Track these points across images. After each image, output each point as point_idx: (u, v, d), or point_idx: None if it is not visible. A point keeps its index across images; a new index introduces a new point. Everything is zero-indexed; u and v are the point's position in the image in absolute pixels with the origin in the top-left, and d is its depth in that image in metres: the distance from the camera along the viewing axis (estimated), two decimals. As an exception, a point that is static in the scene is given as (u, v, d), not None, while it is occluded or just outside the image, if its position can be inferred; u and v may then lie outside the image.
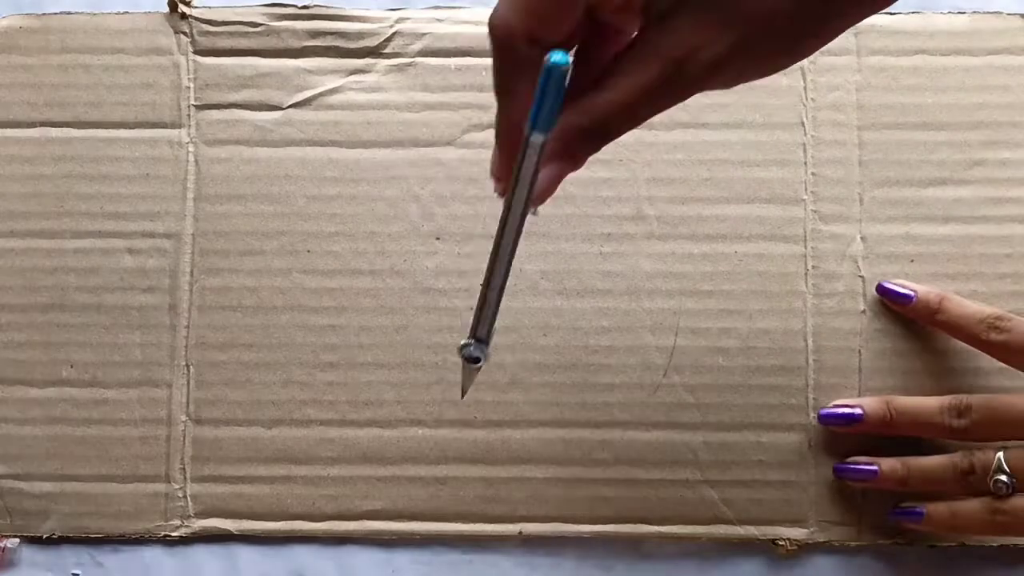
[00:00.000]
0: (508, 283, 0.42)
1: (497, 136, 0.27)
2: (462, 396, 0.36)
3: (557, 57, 0.22)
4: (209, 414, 0.42)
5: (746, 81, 0.26)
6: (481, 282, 0.28)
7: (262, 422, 0.42)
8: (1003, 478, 0.36)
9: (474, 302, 0.42)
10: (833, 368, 0.42)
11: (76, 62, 0.43)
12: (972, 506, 0.37)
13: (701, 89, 0.25)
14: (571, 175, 0.28)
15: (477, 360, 0.30)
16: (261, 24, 0.43)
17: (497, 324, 0.29)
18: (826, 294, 0.42)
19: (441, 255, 0.42)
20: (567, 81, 0.22)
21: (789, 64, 0.25)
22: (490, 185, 0.44)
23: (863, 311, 0.42)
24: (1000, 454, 0.36)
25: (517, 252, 0.27)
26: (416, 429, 0.42)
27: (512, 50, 0.25)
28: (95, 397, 0.42)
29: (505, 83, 0.26)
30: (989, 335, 0.38)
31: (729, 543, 0.41)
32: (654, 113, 0.26)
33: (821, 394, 0.41)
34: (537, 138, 0.23)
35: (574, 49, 0.27)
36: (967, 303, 0.40)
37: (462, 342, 0.30)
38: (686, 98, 0.26)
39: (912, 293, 0.41)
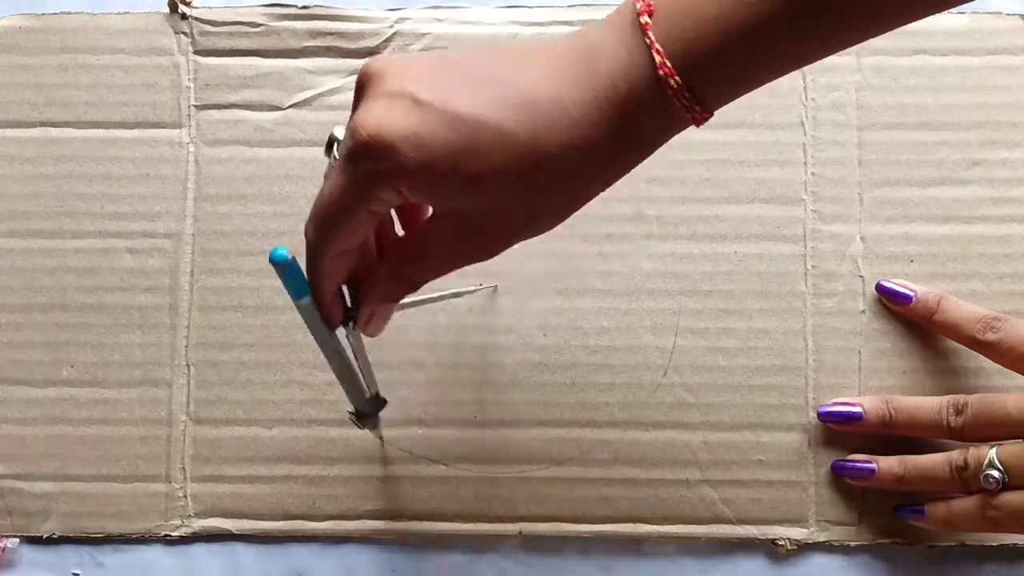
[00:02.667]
0: (508, 284, 0.43)
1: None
2: (381, 444, 0.41)
3: (278, 253, 0.28)
4: (209, 414, 0.42)
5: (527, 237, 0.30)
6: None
7: (262, 422, 0.42)
8: (994, 473, 0.36)
9: (473, 302, 0.42)
10: (833, 368, 0.42)
11: (76, 62, 0.43)
12: (966, 503, 0.37)
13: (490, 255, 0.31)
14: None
15: (362, 426, 0.36)
16: (261, 24, 0.43)
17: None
18: (826, 294, 0.42)
19: (441, 255, 0.42)
20: (292, 267, 0.29)
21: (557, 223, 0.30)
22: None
23: (863, 311, 0.42)
24: (992, 450, 0.36)
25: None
26: (416, 429, 0.42)
27: (380, 180, 0.28)
28: (95, 397, 0.42)
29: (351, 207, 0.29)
30: (985, 335, 0.38)
31: (729, 543, 0.41)
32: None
33: (821, 394, 0.41)
34: (302, 302, 0.30)
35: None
36: (964, 304, 0.40)
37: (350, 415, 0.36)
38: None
39: (912, 293, 0.41)
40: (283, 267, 0.28)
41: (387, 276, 0.31)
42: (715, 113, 0.27)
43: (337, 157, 0.28)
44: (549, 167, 0.26)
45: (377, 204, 0.28)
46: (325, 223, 0.29)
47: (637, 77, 0.26)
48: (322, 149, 0.43)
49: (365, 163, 0.27)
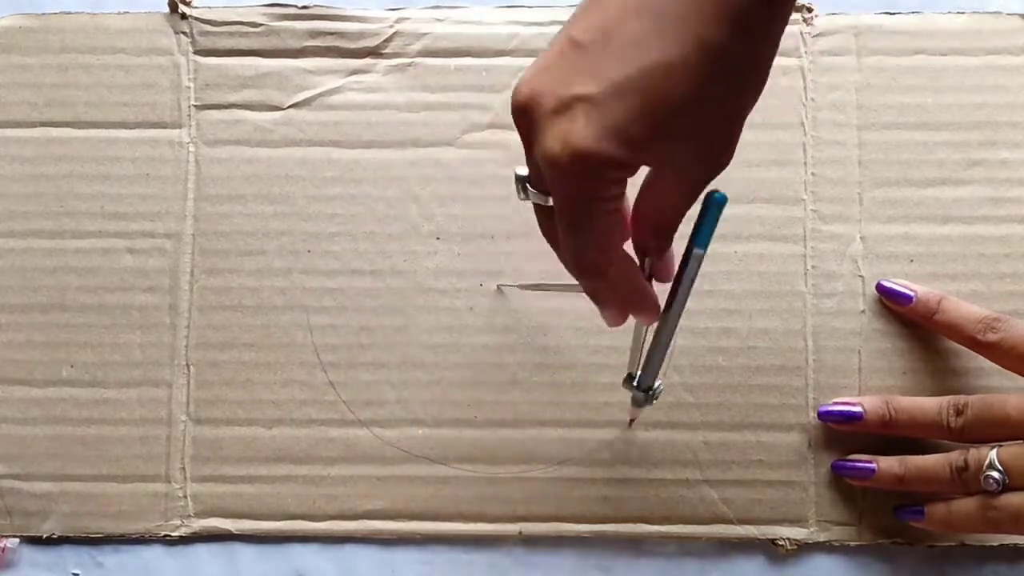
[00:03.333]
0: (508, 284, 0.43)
1: (588, 273, 0.31)
2: (630, 425, 0.41)
3: (719, 194, 0.28)
4: (209, 414, 0.42)
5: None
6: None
7: (262, 422, 0.42)
8: (994, 474, 0.36)
9: (474, 302, 0.42)
10: (833, 368, 0.42)
11: (76, 62, 0.43)
12: (967, 504, 0.37)
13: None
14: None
15: (640, 401, 0.35)
16: (261, 24, 0.43)
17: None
18: (826, 294, 0.42)
19: (441, 255, 0.42)
20: (719, 214, 0.29)
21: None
22: (489, 186, 0.44)
23: (863, 311, 0.42)
24: (993, 451, 0.36)
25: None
26: (416, 429, 0.42)
27: (600, 178, 0.27)
28: (95, 397, 0.42)
29: (594, 211, 0.28)
30: (985, 335, 0.38)
31: (729, 543, 0.41)
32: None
33: (821, 394, 0.41)
34: (699, 252, 0.29)
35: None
36: (965, 304, 0.40)
37: (632, 392, 0.35)
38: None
39: (912, 293, 0.41)
40: (719, 207, 0.29)
41: (656, 251, 0.31)
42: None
43: (533, 193, 0.29)
44: (718, 56, 0.26)
45: (613, 201, 0.28)
46: (588, 249, 0.29)
47: None
48: (322, 149, 0.43)
49: (582, 181, 0.27)
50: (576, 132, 0.26)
